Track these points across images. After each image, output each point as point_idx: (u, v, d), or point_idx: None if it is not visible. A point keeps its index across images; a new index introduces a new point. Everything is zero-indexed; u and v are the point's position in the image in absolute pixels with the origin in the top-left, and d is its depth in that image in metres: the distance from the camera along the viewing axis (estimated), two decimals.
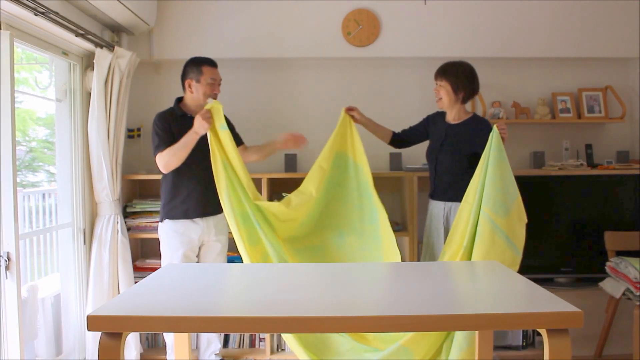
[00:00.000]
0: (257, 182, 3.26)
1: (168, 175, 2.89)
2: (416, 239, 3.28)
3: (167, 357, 3.04)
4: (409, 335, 2.42)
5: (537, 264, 3.36)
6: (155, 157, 2.81)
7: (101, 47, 3.02)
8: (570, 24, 3.51)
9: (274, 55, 3.53)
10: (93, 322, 1.51)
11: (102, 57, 3.00)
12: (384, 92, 3.66)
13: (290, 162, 3.49)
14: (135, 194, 3.58)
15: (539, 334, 3.01)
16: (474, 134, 2.78)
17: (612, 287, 3.03)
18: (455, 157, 2.81)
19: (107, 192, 3.09)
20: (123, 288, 3.12)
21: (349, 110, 2.95)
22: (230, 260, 3.23)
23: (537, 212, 3.29)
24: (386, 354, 2.46)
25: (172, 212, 2.89)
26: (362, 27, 3.48)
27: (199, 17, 3.48)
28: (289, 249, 2.69)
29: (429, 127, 3.00)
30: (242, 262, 2.77)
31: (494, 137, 2.52)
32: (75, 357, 3.09)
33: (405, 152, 3.41)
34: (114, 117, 3.08)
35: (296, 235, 2.72)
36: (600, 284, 3.12)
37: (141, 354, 3.22)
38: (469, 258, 2.50)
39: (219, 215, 2.93)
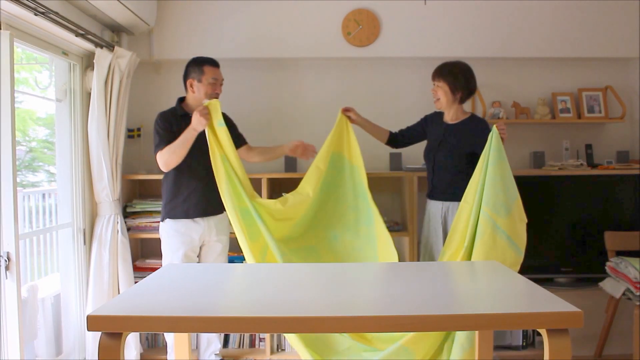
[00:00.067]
0: (257, 182, 3.26)
1: (169, 174, 2.90)
2: (416, 239, 3.28)
3: (168, 357, 3.04)
4: (409, 335, 2.42)
5: (537, 264, 3.36)
6: (155, 155, 2.82)
7: (101, 47, 3.02)
8: (570, 24, 3.51)
9: (274, 55, 3.53)
10: (93, 322, 1.51)
11: (102, 57, 3.00)
12: (384, 92, 3.66)
13: (290, 162, 3.49)
14: (135, 194, 3.58)
15: (539, 334, 3.01)
16: (472, 133, 2.78)
17: (612, 287, 3.03)
18: (453, 157, 2.81)
19: (107, 192, 3.09)
20: (123, 288, 3.12)
21: (346, 111, 2.96)
22: (231, 260, 3.23)
23: (537, 212, 3.28)
24: (386, 354, 2.46)
25: (173, 212, 2.89)
26: (362, 27, 3.48)
27: (199, 17, 3.48)
28: (283, 249, 2.69)
29: (426, 127, 3.01)
30: (243, 260, 2.78)
31: (493, 137, 2.52)
32: (75, 357, 3.09)
33: (405, 152, 3.41)
34: (114, 117, 3.08)
35: (290, 236, 2.72)
36: (600, 284, 3.12)
37: (141, 354, 3.22)
38: (469, 258, 2.50)
39: (220, 215, 2.94)
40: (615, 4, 3.51)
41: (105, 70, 3.02)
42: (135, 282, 2.81)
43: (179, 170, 2.86)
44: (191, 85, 2.90)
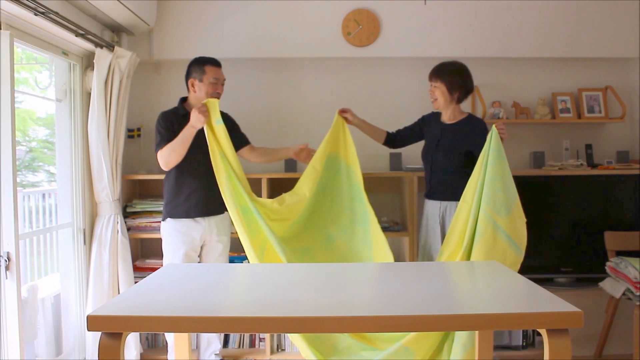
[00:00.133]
0: (257, 182, 3.27)
1: (171, 173, 2.91)
2: (416, 239, 3.27)
3: (168, 357, 3.04)
4: (410, 335, 2.42)
5: (537, 264, 3.36)
6: (156, 155, 2.83)
7: (101, 47, 3.02)
8: (570, 24, 3.51)
9: (274, 55, 3.53)
10: (93, 322, 1.51)
11: (102, 57, 3.00)
12: (384, 91, 3.66)
13: (290, 162, 3.49)
14: (135, 194, 3.58)
15: (539, 334, 3.01)
16: (469, 133, 2.79)
17: (612, 287, 3.03)
18: (451, 157, 2.82)
19: (107, 192, 3.09)
20: (123, 288, 3.12)
21: (342, 112, 2.96)
22: (231, 260, 3.23)
23: (537, 212, 3.29)
24: (388, 354, 2.46)
25: (174, 211, 2.90)
26: (362, 27, 3.48)
27: (199, 17, 3.48)
28: (283, 246, 2.70)
29: (424, 128, 3.01)
30: (243, 260, 2.78)
31: (493, 137, 2.52)
32: (75, 357, 3.09)
33: (405, 152, 3.42)
34: (114, 117, 3.08)
35: (285, 236, 2.73)
36: (600, 284, 3.12)
37: (141, 354, 3.22)
38: (469, 258, 2.50)
39: (221, 215, 2.94)
40: (615, 4, 3.51)
41: (105, 70, 3.02)
42: (135, 282, 2.81)
43: (180, 169, 2.86)
44: (192, 85, 2.91)
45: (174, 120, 2.85)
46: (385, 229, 3.30)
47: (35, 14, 2.41)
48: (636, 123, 3.67)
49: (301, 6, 3.49)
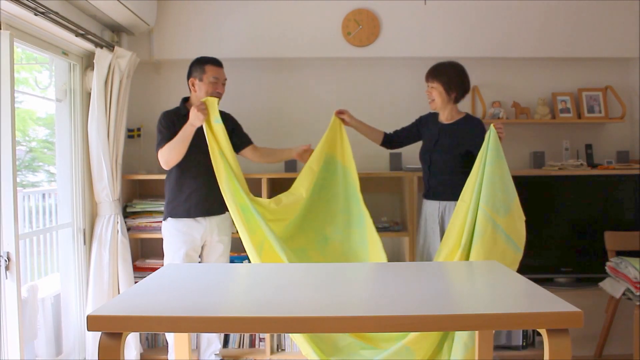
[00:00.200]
0: (257, 182, 3.27)
1: (172, 173, 2.91)
2: (416, 239, 3.27)
3: (169, 357, 3.04)
4: (412, 335, 2.42)
5: (537, 264, 3.36)
6: (157, 154, 2.83)
7: (101, 47, 3.02)
8: (570, 24, 3.51)
9: (274, 55, 3.53)
10: (93, 322, 1.51)
11: (102, 57, 2.99)
12: (384, 91, 3.66)
13: (290, 162, 3.49)
14: (135, 194, 3.58)
15: (539, 334, 3.01)
16: (467, 133, 2.79)
17: (612, 287, 3.03)
18: (449, 157, 2.82)
19: (107, 192, 3.09)
20: (123, 288, 3.12)
21: (339, 113, 2.97)
22: (232, 260, 3.23)
23: (537, 212, 3.29)
24: (388, 354, 2.46)
25: (175, 210, 2.90)
26: (362, 27, 3.48)
27: (199, 17, 3.48)
28: (282, 244, 2.70)
29: (421, 128, 3.01)
30: (244, 260, 2.78)
31: (491, 137, 2.53)
32: (75, 357, 3.09)
33: (405, 152, 3.41)
34: (114, 117, 3.08)
35: (282, 237, 2.73)
36: (600, 284, 3.12)
37: (141, 354, 3.22)
38: (468, 257, 2.50)
39: (222, 215, 2.94)
40: (615, 4, 3.51)
41: (105, 70, 3.02)
42: (135, 282, 2.81)
43: (181, 169, 2.87)
44: (193, 84, 2.92)
45: (175, 120, 2.85)
46: (385, 229, 3.32)
47: (35, 14, 2.41)
48: (636, 123, 3.67)
49: (301, 6, 3.49)
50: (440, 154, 2.84)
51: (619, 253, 3.12)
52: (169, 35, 3.48)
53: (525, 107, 3.58)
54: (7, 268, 2.33)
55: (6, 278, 2.33)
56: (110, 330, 1.52)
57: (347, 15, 3.48)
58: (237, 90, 3.54)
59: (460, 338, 2.49)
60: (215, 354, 3.12)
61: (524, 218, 2.52)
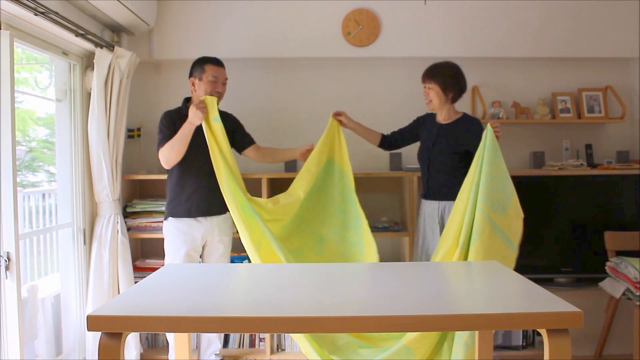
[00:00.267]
0: (257, 182, 3.27)
1: (173, 173, 2.91)
2: (414, 239, 3.28)
3: (169, 357, 3.04)
4: (412, 334, 2.43)
5: (537, 264, 3.36)
6: (158, 153, 2.84)
7: (101, 47, 3.02)
8: (570, 24, 3.51)
9: (274, 55, 3.53)
10: (93, 322, 1.51)
11: (102, 57, 2.99)
12: (384, 91, 3.66)
13: (290, 162, 3.49)
14: (135, 194, 3.58)
15: (539, 334, 3.02)
16: (465, 132, 2.80)
17: (612, 287, 3.03)
18: (447, 156, 2.82)
19: (107, 192, 3.09)
20: (123, 288, 3.12)
21: (337, 115, 2.97)
22: (232, 260, 3.23)
23: (537, 212, 3.30)
24: (389, 354, 2.46)
25: (176, 210, 2.91)
26: (362, 27, 3.48)
27: (199, 17, 3.48)
28: (279, 244, 2.71)
29: (419, 129, 3.02)
30: (244, 260, 2.78)
31: (488, 136, 2.54)
32: (75, 357, 3.09)
33: (405, 152, 3.41)
34: (114, 117, 3.08)
35: (279, 237, 2.74)
36: (600, 284, 3.12)
37: (141, 354, 3.22)
38: (467, 256, 2.51)
39: (223, 215, 2.95)
40: (615, 4, 3.51)
41: (105, 70, 3.02)
42: (135, 282, 2.81)
43: (182, 168, 2.87)
44: (193, 84, 2.93)
45: (176, 120, 2.86)
46: (385, 229, 3.33)
47: (35, 14, 2.41)
48: (636, 123, 3.67)
49: (301, 6, 3.49)
50: (439, 154, 2.84)
51: (619, 253, 3.12)
52: (169, 35, 3.48)
53: (525, 107, 3.58)
54: (7, 268, 2.33)
55: (6, 278, 2.34)
56: (110, 330, 1.52)
57: (347, 15, 3.48)
58: (237, 90, 3.54)
59: (461, 338, 2.49)
60: (215, 354, 3.12)
61: (522, 215, 2.53)
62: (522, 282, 1.88)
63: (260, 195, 3.18)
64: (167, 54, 3.50)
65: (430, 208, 2.87)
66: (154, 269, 2.91)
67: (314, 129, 3.35)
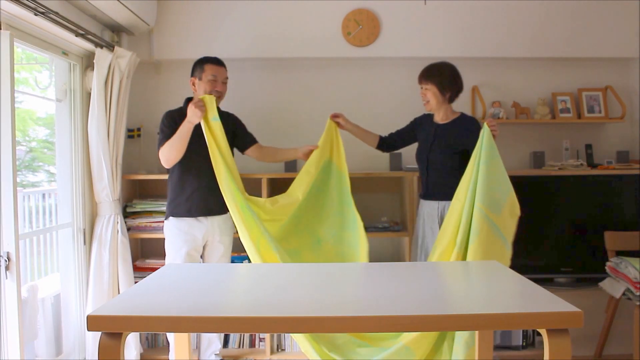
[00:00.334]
0: (257, 182, 3.27)
1: (174, 172, 2.92)
2: (413, 239, 3.28)
3: (170, 357, 3.04)
4: (411, 334, 2.43)
5: (537, 264, 3.36)
6: (158, 153, 2.84)
7: (101, 47, 3.02)
8: (570, 24, 3.51)
9: (274, 55, 3.53)
10: (93, 322, 1.51)
11: (102, 57, 2.99)
12: (384, 91, 3.66)
13: (290, 162, 3.49)
14: (135, 194, 3.58)
15: (539, 334, 3.01)
16: (463, 132, 2.80)
17: (612, 287, 3.03)
18: (446, 156, 2.83)
19: (107, 192, 3.09)
20: (123, 288, 3.12)
21: (334, 117, 2.97)
22: (232, 260, 3.23)
23: (537, 212, 3.30)
24: (388, 354, 2.47)
25: (177, 210, 2.91)
26: (362, 27, 3.48)
27: (199, 17, 3.48)
28: (276, 244, 2.72)
29: (416, 130, 3.02)
30: (244, 260, 2.78)
31: (485, 135, 2.54)
32: (75, 357, 3.09)
33: (405, 152, 3.41)
34: (114, 117, 3.08)
35: (276, 237, 2.75)
36: (600, 284, 3.12)
37: (141, 354, 3.22)
38: (465, 256, 2.51)
39: (224, 215, 2.95)
40: (615, 4, 3.51)
41: (105, 70, 3.02)
42: (135, 282, 2.81)
43: (183, 168, 2.88)
44: (193, 84, 2.93)
45: (177, 119, 2.85)
46: (385, 229, 3.33)
47: (35, 14, 2.41)
48: (636, 123, 3.67)
49: (301, 6, 3.49)
50: (438, 154, 2.85)
51: (619, 253, 3.12)
52: (169, 35, 3.48)
53: (525, 107, 3.58)
54: (7, 268, 2.33)
55: (6, 278, 2.33)
56: (110, 330, 1.52)
57: (347, 15, 3.48)
58: (237, 90, 3.54)
59: (461, 337, 2.49)
60: (215, 354, 3.12)
61: (518, 214, 2.54)
62: (522, 282, 1.88)
63: (260, 196, 3.18)
64: (167, 54, 3.50)
65: (429, 208, 2.87)
66: (154, 269, 2.91)
67: (314, 129, 3.35)
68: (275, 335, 3.32)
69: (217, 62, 2.93)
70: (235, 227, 2.79)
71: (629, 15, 3.51)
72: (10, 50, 2.32)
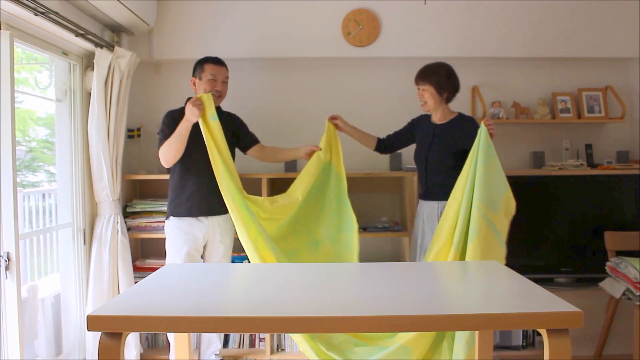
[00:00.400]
0: (256, 182, 3.27)
1: (175, 172, 2.92)
2: (411, 239, 3.28)
3: (170, 357, 3.04)
4: (409, 334, 2.43)
5: (537, 264, 3.36)
6: (158, 152, 2.84)
7: (101, 47, 3.02)
8: (570, 24, 3.51)
9: (274, 55, 3.53)
10: (93, 322, 1.51)
11: (102, 57, 2.99)
12: (384, 91, 3.66)
13: (290, 162, 3.49)
14: (135, 194, 3.58)
15: (539, 334, 3.01)
16: (461, 132, 2.80)
17: (612, 287, 3.03)
18: (445, 156, 2.83)
19: (107, 192, 3.09)
20: (123, 288, 3.12)
21: (333, 119, 2.98)
22: (232, 260, 3.23)
23: (537, 212, 3.30)
24: (387, 354, 2.47)
25: (177, 209, 2.91)
26: (362, 27, 3.48)
27: (199, 17, 3.48)
28: (273, 244, 2.72)
29: (414, 130, 3.02)
30: (244, 258, 2.78)
31: (482, 134, 2.55)
32: (75, 357, 3.09)
33: (405, 152, 3.41)
34: (114, 117, 3.08)
35: (274, 237, 2.75)
36: (600, 284, 3.12)
37: (141, 354, 3.22)
38: (463, 254, 2.51)
39: (225, 215, 2.95)
40: (615, 4, 3.51)
41: (105, 70, 3.02)
42: (135, 282, 2.81)
43: (184, 168, 2.88)
44: (194, 84, 2.94)
45: (177, 119, 2.85)
46: (385, 229, 3.33)
47: (35, 14, 2.41)
48: (636, 123, 3.67)
49: (301, 6, 3.49)
50: (436, 155, 2.85)
51: (619, 253, 3.12)
52: (169, 35, 3.48)
53: (525, 107, 3.58)
54: (7, 268, 2.33)
55: (6, 278, 2.34)
56: (110, 330, 1.52)
57: (347, 15, 3.48)
58: (237, 90, 3.53)
59: (462, 337, 2.50)
60: (215, 354, 3.12)
61: (513, 212, 2.54)
62: (522, 282, 1.88)
63: (260, 196, 3.18)
64: (167, 54, 3.50)
65: (429, 208, 2.87)
66: (154, 269, 2.92)
67: (314, 129, 3.36)
68: (275, 335, 3.32)
69: (217, 61, 2.94)
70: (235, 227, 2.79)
71: (629, 15, 3.51)
72: (10, 50, 2.32)
